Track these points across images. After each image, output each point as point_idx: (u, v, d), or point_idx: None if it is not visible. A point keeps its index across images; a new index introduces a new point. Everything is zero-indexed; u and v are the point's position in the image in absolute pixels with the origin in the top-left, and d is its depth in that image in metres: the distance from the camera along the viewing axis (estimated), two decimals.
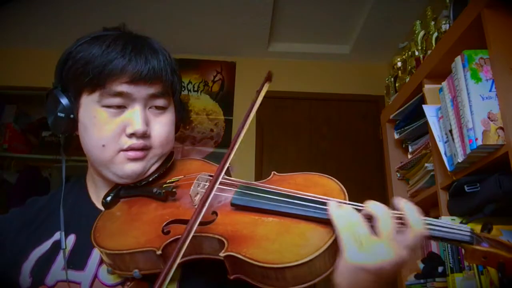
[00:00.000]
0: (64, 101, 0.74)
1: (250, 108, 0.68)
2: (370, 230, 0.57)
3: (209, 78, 3.35)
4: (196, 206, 0.68)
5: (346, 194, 0.65)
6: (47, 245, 0.76)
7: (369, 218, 0.58)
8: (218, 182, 0.64)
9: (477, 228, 0.62)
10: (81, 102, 0.75)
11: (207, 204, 0.61)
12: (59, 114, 0.74)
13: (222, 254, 0.59)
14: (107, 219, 0.74)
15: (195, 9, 2.81)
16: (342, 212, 0.59)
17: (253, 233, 0.61)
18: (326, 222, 0.60)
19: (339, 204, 0.61)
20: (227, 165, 0.65)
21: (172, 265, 0.56)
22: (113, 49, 0.72)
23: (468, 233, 0.59)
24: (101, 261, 0.72)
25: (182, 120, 0.86)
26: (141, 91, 0.73)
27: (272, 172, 0.75)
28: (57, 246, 0.75)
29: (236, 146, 0.67)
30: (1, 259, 0.76)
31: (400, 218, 0.59)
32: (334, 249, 0.58)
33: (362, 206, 0.60)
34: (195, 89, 3.31)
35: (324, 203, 0.62)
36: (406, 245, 0.56)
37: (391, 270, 0.54)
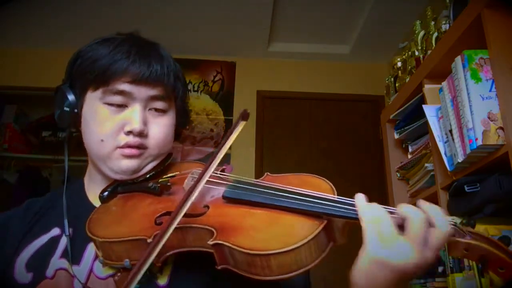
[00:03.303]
0: (70, 96, 0.79)
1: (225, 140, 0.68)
2: (397, 230, 0.56)
3: (209, 78, 3.35)
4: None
5: (336, 193, 0.65)
6: (43, 239, 0.77)
7: (401, 224, 0.57)
8: (207, 174, 0.65)
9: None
10: (85, 98, 0.79)
11: (195, 193, 0.63)
12: (65, 108, 0.78)
13: (210, 242, 0.60)
14: (103, 212, 0.76)
15: (195, 9, 2.81)
16: (370, 206, 0.59)
17: (241, 224, 0.63)
18: (314, 215, 0.61)
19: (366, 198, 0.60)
20: (218, 158, 0.66)
21: (153, 250, 0.57)
22: (119, 50, 0.76)
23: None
24: (96, 255, 0.73)
25: (184, 124, 0.89)
26: (142, 92, 0.76)
27: (266, 173, 0.77)
28: (54, 241, 0.76)
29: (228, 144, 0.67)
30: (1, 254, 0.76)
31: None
32: (320, 242, 0.59)
33: (394, 209, 0.59)
34: (195, 89, 3.31)
35: (313, 197, 0.63)
36: (431, 246, 0.55)
37: (413, 270, 0.54)
